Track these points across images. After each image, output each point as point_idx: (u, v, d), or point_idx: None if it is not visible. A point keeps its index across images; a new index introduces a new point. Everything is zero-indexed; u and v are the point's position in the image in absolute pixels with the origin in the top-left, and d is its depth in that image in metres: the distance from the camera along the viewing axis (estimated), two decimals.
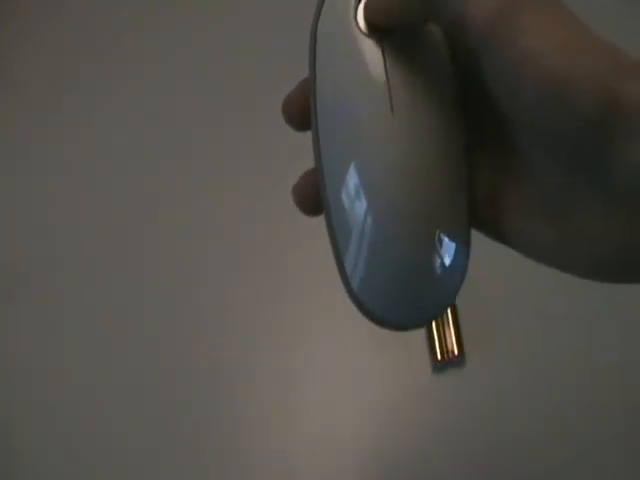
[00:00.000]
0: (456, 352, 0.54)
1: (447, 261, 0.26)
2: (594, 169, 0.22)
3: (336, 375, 0.55)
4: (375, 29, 0.26)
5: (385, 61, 0.26)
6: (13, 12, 0.68)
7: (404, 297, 0.26)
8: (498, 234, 0.27)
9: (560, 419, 0.53)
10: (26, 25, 0.68)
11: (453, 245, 0.26)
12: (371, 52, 0.26)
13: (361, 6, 0.27)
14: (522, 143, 0.25)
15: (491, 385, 0.54)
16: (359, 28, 0.26)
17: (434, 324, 0.54)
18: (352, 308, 0.59)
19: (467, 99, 0.27)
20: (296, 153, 0.60)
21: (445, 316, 0.54)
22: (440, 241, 0.26)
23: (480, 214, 0.27)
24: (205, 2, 0.67)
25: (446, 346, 0.54)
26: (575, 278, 0.25)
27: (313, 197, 0.28)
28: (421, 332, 0.56)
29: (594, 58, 0.21)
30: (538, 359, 0.54)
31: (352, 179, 0.26)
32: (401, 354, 0.55)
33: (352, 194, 0.26)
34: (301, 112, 0.28)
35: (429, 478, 0.53)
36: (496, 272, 0.55)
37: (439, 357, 0.54)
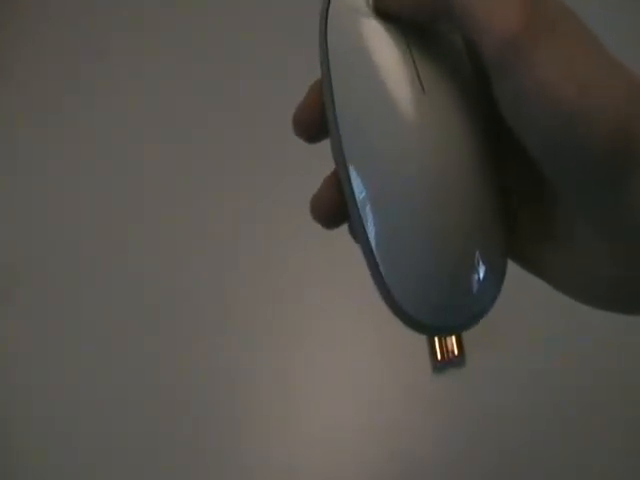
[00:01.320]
0: (456, 352, 0.54)
1: (482, 272, 0.25)
2: (601, 202, 0.21)
3: (336, 375, 0.55)
4: (383, 16, 0.25)
5: (409, 47, 0.24)
6: (13, 12, 0.68)
7: (441, 302, 0.25)
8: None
9: (560, 419, 0.53)
10: (26, 25, 0.68)
11: (491, 258, 0.25)
12: (393, 38, 0.24)
13: None
14: (528, 161, 0.24)
15: (491, 385, 0.54)
16: (374, 13, 0.25)
17: None
18: (351, 308, 0.59)
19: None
20: (296, 153, 0.60)
21: None
22: (480, 253, 0.25)
23: None
24: (205, 2, 0.67)
25: (446, 346, 0.54)
26: None
27: (336, 205, 0.26)
28: None
29: (609, 91, 0.20)
30: (538, 359, 0.54)
31: (387, 178, 0.24)
32: (401, 354, 0.55)
33: (387, 195, 0.24)
34: (314, 120, 0.26)
35: (429, 478, 0.53)
36: None
37: (439, 357, 0.54)
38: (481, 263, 0.25)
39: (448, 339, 0.54)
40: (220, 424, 0.55)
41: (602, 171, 0.21)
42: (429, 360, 0.55)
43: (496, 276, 0.26)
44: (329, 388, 0.55)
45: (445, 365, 0.55)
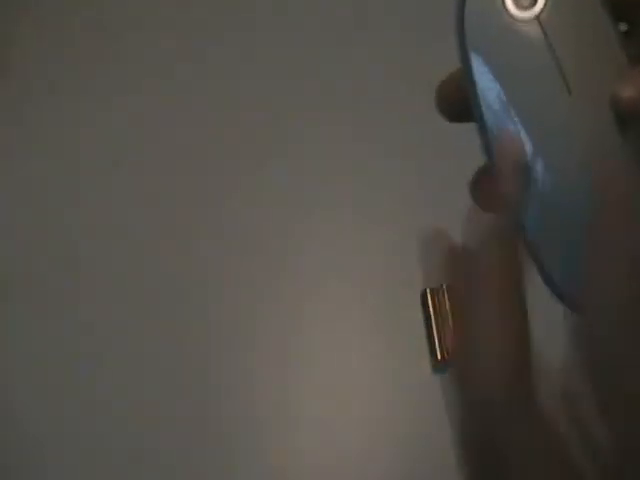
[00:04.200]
0: None
1: None
2: None
3: (336, 375, 0.55)
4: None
5: (547, 37, 0.25)
6: (15, 9, 0.68)
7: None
8: None
9: None
10: (30, 23, 0.67)
11: None
12: (530, 32, 0.25)
13: None
14: None
15: None
16: (509, 13, 0.25)
17: (434, 324, 0.54)
18: (352, 309, 0.59)
19: None
20: (297, 152, 0.59)
21: (445, 316, 0.54)
22: None
23: None
24: (219, 2, 0.67)
25: (446, 346, 0.54)
26: None
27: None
28: (421, 332, 0.56)
29: None
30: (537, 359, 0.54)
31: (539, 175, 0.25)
32: (401, 354, 0.55)
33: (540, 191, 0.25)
34: (455, 102, 0.27)
35: (429, 478, 0.53)
36: None
37: (439, 357, 0.54)
38: None
39: (448, 339, 0.54)
40: (220, 424, 0.55)
41: None
42: (429, 360, 0.55)
43: None
44: (329, 388, 0.55)
45: (445, 365, 0.54)
